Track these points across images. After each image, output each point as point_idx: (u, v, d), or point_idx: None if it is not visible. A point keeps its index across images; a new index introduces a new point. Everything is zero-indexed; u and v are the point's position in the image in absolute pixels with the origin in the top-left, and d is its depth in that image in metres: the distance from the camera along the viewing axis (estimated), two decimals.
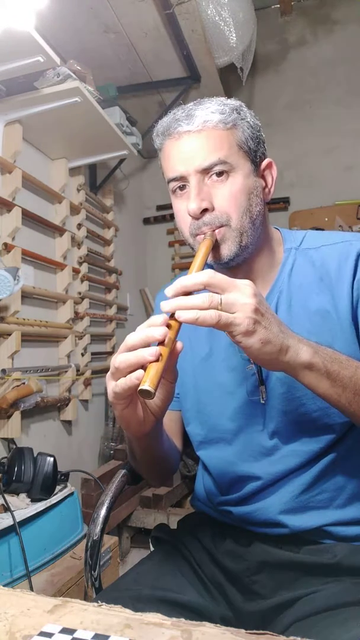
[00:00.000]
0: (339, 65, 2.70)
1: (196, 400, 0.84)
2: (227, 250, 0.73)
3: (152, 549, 0.90)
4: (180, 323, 0.56)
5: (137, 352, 0.54)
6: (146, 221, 3.10)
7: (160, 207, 3.04)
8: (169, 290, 0.57)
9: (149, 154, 2.95)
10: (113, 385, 0.56)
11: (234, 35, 2.14)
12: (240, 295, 0.56)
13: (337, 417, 0.71)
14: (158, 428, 0.70)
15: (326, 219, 2.57)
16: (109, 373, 0.58)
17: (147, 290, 2.96)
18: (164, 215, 3.01)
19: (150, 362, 0.53)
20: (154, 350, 0.53)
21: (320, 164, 2.68)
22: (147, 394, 0.51)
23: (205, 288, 0.56)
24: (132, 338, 0.56)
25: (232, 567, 0.76)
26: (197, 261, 0.65)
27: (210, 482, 0.84)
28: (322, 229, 2.19)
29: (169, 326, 0.56)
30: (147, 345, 0.55)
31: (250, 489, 0.77)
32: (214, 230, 0.72)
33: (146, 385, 0.51)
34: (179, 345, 0.57)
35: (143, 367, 0.54)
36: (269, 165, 0.78)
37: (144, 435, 0.66)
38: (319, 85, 2.73)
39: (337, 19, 2.74)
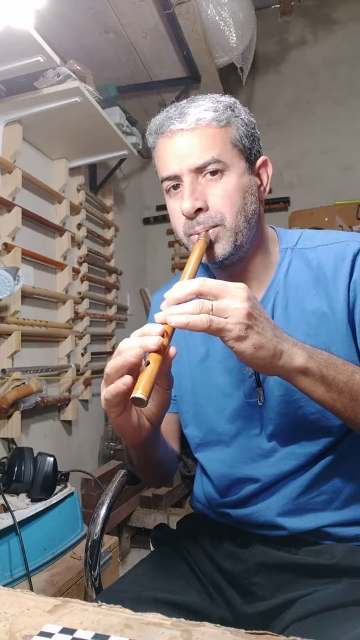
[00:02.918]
0: (339, 65, 2.70)
1: (193, 402, 0.84)
2: (221, 249, 0.72)
3: (152, 549, 0.90)
4: (173, 329, 0.56)
5: (122, 355, 0.53)
6: (146, 221, 3.10)
7: (160, 207, 3.04)
8: (163, 305, 0.56)
9: (149, 153, 2.93)
10: (104, 392, 0.56)
11: (234, 35, 2.14)
12: (232, 301, 0.55)
13: (335, 420, 0.70)
14: (155, 435, 0.69)
15: (326, 219, 2.57)
16: (103, 380, 0.57)
17: (147, 290, 2.96)
18: (164, 215, 3.01)
19: (134, 363, 0.53)
20: (135, 352, 0.53)
21: (320, 164, 2.68)
22: (139, 402, 0.50)
23: (198, 296, 0.56)
24: (125, 345, 0.55)
25: (231, 568, 0.76)
26: (191, 264, 0.64)
27: (208, 484, 0.84)
28: (322, 229, 2.19)
29: (163, 335, 0.55)
30: (142, 353, 0.55)
31: (249, 491, 0.77)
32: (207, 230, 0.71)
33: (138, 393, 0.50)
34: (172, 351, 0.56)
35: (136, 373, 0.53)
36: (264, 163, 0.77)
37: (140, 442, 0.65)
38: (319, 85, 2.73)
39: (337, 19, 2.74)
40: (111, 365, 0.54)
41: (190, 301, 0.55)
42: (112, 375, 0.54)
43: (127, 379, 0.53)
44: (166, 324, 0.55)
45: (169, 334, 0.56)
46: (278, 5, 2.80)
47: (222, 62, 2.28)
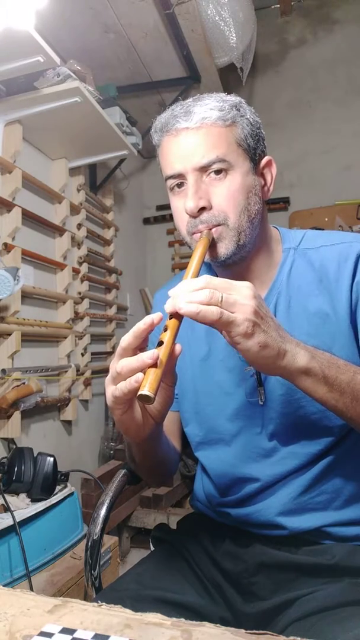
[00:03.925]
0: (339, 65, 2.70)
1: (195, 401, 0.84)
2: (224, 249, 0.72)
3: (152, 548, 0.90)
4: (179, 324, 0.56)
5: (138, 356, 0.53)
6: (146, 221, 3.10)
7: (160, 207, 3.04)
8: (167, 305, 0.56)
9: (149, 154, 2.95)
10: (113, 389, 0.56)
11: (234, 35, 2.14)
12: (240, 297, 0.55)
13: (336, 420, 0.70)
14: (158, 432, 0.69)
15: (326, 219, 2.57)
16: (108, 377, 0.57)
17: (147, 290, 2.96)
18: (164, 215, 3.01)
19: (150, 364, 0.52)
20: (153, 354, 0.53)
21: (320, 164, 2.68)
22: (146, 399, 0.50)
23: None
24: (126, 339, 0.55)
25: (231, 568, 0.76)
26: (194, 262, 0.64)
27: (208, 484, 0.84)
28: (322, 229, 2.19)
29: (166, 328, 0.55)
30: (141, 339, 0.55)
31: (249, 491, 0.77)
32: (210, 229, 0.71)
33: (145, 390, 0.50)
34: (177, 347, 0.56)
35: (142, 370, 0.53)
36: (269, 163, 0.77)
37: (143, 439, 0.65)
38: (319, 85, 2.73)
39: (337, 19, 2.74)
40: (125, 364, 0.54)
41: (200, 290, 0.54)
42: (125, 375, 0.54)
43: (140, 376, 0.53)
44: (173, 318, 0.55)
45: (175, 330, 0.56)
46: (278, 5, 2.81)
47: (222, 62, 2.28)
